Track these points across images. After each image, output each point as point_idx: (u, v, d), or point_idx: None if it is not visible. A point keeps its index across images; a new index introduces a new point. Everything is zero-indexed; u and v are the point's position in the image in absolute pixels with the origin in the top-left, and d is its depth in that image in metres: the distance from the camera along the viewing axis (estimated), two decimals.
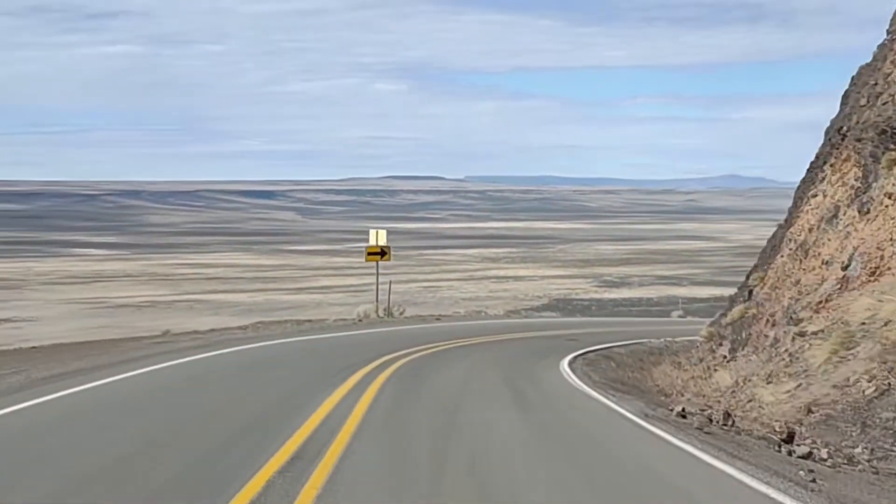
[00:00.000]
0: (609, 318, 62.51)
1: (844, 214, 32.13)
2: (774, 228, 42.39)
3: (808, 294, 30.54)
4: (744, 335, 33.54)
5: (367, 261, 51.11)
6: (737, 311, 35.89)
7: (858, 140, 33.64)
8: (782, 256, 35.82)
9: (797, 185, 40.99)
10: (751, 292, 37.55)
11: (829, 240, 31.98)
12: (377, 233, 49.50)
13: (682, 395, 28.39)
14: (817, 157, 39.42)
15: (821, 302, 29.15)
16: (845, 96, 39.41)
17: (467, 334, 40.45)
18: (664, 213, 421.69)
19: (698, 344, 39.26)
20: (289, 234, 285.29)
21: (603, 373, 30.33)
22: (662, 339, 45.69)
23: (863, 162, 32.59)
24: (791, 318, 29.92)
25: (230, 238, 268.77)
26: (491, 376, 25.16)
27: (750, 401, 25.25)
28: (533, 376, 26.27)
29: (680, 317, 68.20)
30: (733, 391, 27.45)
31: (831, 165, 35.71)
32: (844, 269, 29.80)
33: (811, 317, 29.03)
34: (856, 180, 32.52)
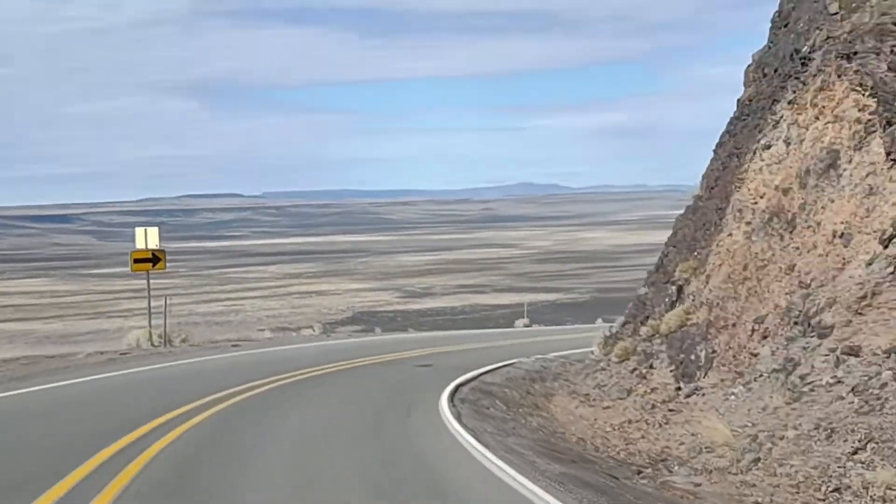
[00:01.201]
0: (446, 333, 49.79)
1: (852, 163, 20.14)
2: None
3: (823, 285, 18.36)
4: (701, 353, 21.19)
5: (132, 270, 36.53)
6: (672, 317, 23.55)
7: (848, 57, 21.71)
8: (731, 235, 23.70)
9: (716, 143, 29.25)
10: (680, 289, 25.33)
11: (833, 201, 19.93)
12: (146, 232, 35.01)
13: (668, 468, 15.75)
14: (747, 102, 27.71)
15: (864, 297, 16.97)
16: (777, 23, 28.03)
17: (276, 370, 27.00)
18: (462, 222, 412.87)
19: (603, 366, 26.89)
20: (86, 258, 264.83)
21: (510, 428, 17.77)
22: (533, 358, 33.37)
23: (870, 83, 20.61)
24: (808, 324, 17.67)
25: (26, 265, 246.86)
26: (340, 491, 11.40)
27: (835, 490, 12.72)
28: (427, 475, 12.76)
29: (526, 326, 56.38)
30: (759, 460, 14.90)
31: (790, 104, 23.74)
32: (886, 243, 17.88)
33: (850, 322, 16.86)
34: (861, 110, 20.54)
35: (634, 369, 24.09)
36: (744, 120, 27.33)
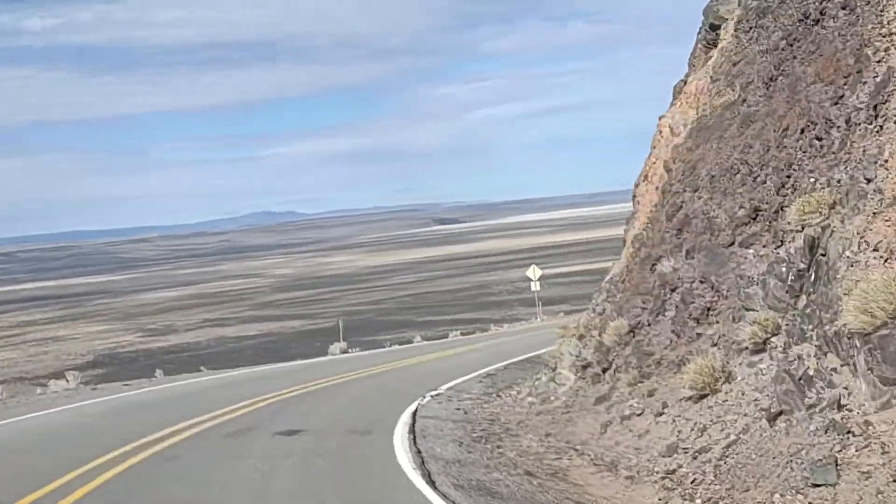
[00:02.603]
0: (253, 371, 34.65)
1: None
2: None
3: None
4: None
5: None
6: (874, 294, 10.40)
7: None
8: None
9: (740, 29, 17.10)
10: (814, 245, 12.50)
11: None
12: None
13: None
14: None
15: None
16: None
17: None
18: (200, 256, 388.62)
19: (636, 406, 13.91)
20: None
21: None
22: (427, 398, 20.50)
23: None
24: None
25: None
26: None
27: None
28: None
29: (343, 352, 42.64)
30: None
31: None
32: None
33: None
34: None
35: (779, 413, 11.13)
36: None
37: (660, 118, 21.46)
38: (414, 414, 17.49)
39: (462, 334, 52.47)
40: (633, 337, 15.50)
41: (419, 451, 13.08)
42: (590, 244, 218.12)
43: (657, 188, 18.11)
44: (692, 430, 12.21)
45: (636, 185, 21.57)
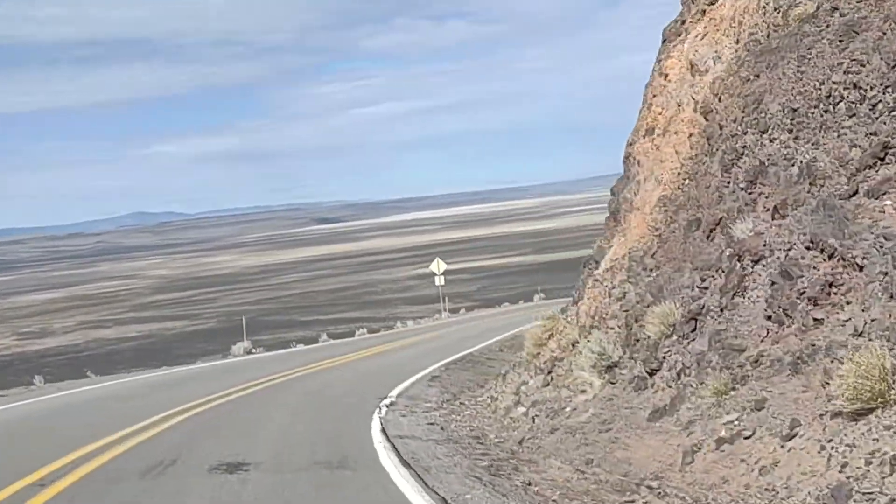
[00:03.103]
0: (159, 376, 29.10)
1: None
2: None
3: None
4: None
5: None
6: None
7: None
8: None
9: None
10: None
11: None
12: None
13: None
14: None
15: None
16: None
17: None
18: (76, 257, 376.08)
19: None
20: None
21: None
22: (383, 411, 15.81)
23: None
24: None
25: None
26: None
27: None
28: None
29: (248, 353, 37.51)
30: None
31: None
32: None
33: None
34: None
35: None
36: None
37: (659, 61, 17.37)
38: (384, 432, 12.98)
39: (370, 332, 48.18)
40: (696, 326, 11.18)
41: (445, 501, 8.57)
42: (472, 241, 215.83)
43: (690, 136, 13.88)
44: (868, 463, 7.90)
45: (630, 144, 17.45)
